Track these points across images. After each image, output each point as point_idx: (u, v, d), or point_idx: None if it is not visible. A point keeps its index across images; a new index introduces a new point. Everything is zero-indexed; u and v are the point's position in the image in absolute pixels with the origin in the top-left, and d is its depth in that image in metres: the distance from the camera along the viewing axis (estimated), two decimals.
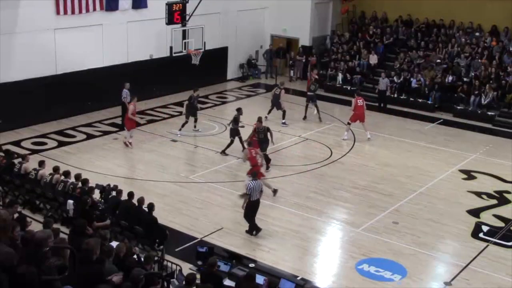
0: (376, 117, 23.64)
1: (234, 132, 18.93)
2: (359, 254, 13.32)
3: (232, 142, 18.92)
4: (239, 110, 19.15)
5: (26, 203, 14.66)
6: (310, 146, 20.31)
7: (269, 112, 22.33)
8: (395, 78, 25.61)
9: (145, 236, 12.64)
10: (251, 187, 13.71)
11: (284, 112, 22.06)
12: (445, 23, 27.97)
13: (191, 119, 20.67)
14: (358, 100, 20.91)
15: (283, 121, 21.95)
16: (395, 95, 25.44)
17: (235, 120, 18.94)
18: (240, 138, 18.87)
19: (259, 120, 18.16)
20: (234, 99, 26.03)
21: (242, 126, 19.04)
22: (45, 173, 14.80)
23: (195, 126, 20.86)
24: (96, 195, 14.16)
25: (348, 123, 20.98)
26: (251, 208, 13.89)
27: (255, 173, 14.44)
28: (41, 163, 15.10)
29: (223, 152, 18.90)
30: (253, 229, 13.99)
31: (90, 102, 22.40)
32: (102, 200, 14.10)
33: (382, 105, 24.73)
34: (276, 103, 22.16)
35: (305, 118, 22.84)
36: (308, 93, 23.02)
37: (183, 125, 20.46)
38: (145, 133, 20.99)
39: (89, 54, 22.32)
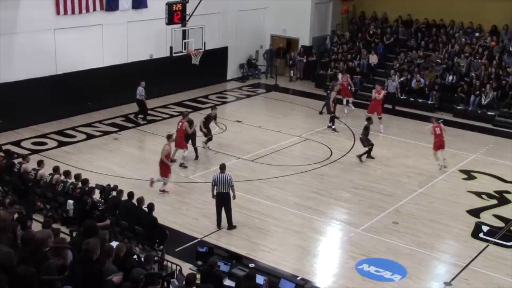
0: (377, 117, 23.62)
1: (365, 140, 18.85)
2: (359, 254, 13.32)
3: (371, 147, 18.86)
4: (369, 120, 19.21)
5: None
6: (310, 146, 20.30)
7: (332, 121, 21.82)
8: (395, 78, 25.61)
9: (145, 236, 12.64)
10: (214, 179, 14.04)
11: (332, 117, 21.62)
12: (445, 23, 27.98)
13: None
14: (377, 93, 21.87)
15: (329, 124, 21.56)
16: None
17: (366, 129, 18.84)
18: (371, 146, 18.87)
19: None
20: (234, 99, 26.03)
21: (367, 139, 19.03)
22: (44, 173, 14.79)
23: (206, 143, 19.53)
24: (96, 195, 14.15)
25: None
26: (216, 200, 14.13)
27: (223, 166, 14.36)
28: (40, 163, 15.09)
29: (368, 156, 18.83)
30: (218, 222, 14.22)
31: (90, 102, 22.39)
32: (102, 200, 14.09)
33: (391, 107, 24.44)
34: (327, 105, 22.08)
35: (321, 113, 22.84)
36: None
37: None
38: (145, 133, 21.00)
39: (89, 54, 22.31)
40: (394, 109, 24.48)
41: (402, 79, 25.44)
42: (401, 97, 25.20)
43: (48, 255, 7.08)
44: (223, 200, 14.09)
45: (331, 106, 21.56)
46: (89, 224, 10.00)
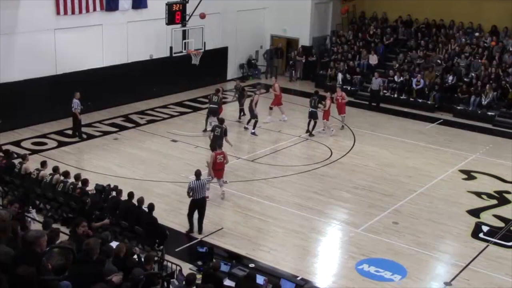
0: (377, 117, 23.67)
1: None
2: (359, 254, 13.32)
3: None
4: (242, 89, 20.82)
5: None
6: (310, 146, 20.30)
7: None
8: (395, 78, 25.61)
9: (145, 236, 12.64)
10: (191, 187, 13.74)
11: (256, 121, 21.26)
12: (445, 23, 27.97)
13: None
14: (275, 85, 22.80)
15: (253, 130, 21.01)
16: (395, 95, 25.45)
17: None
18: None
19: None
20: (234, 99, 26.00)
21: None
22: (46, 174, 14.78)
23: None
24: (91, 186, 14.11)
25: (270, 108, 22.23)
26: (190, 206, 13.89)
27: (199, 172, 14.14)
28: (43, 164, 15.06)
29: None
30: (190, 227, 13.96)
31: (90, 102, 22.34)
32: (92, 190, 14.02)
33: (374, 104, 24.90)
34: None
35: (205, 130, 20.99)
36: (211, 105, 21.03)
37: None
38: (145, 133, 20.99)
39: (89, 54, 22.31)
40: (378, 106, 24.76)
41: (401, 78, 25.45)
42: (401, 97, 25.13)
43: (48, 255, 7.05)
44: (199, 206, 13.83)
45: (254, 109, 20.93)
46: (77, 221, 10.03)
